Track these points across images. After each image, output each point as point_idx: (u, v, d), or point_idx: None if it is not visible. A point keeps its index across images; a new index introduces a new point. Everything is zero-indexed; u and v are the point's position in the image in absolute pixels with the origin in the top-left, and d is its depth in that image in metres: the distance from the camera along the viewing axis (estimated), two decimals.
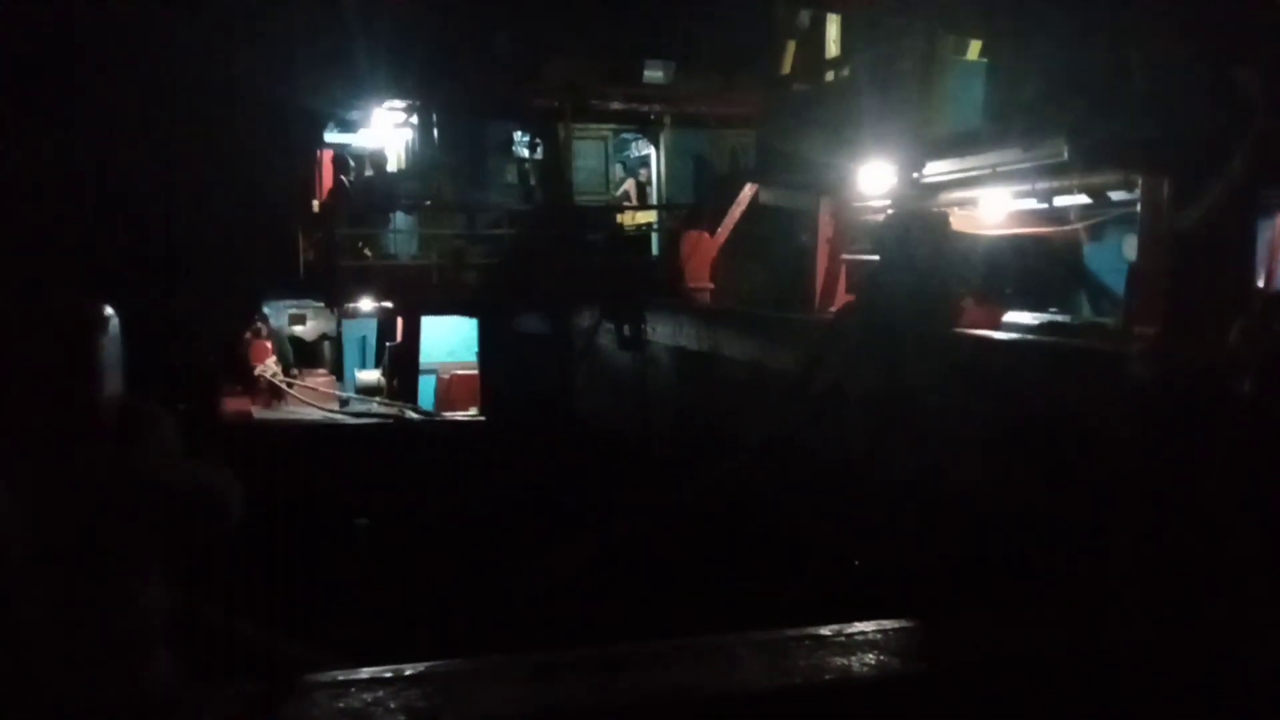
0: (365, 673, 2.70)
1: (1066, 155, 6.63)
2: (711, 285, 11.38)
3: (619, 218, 17.04)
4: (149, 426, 2.45)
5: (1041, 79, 7.10)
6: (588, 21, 15.48)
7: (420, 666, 2.75)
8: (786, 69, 11.63)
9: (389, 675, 2.70)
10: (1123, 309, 7.19)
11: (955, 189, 8.28)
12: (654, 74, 16.26)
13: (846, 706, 2.79)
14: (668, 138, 17.06)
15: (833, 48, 10.72)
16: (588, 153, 16.92)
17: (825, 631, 2.99)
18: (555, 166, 16.31)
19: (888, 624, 3.05)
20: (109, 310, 2.39)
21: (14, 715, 2.18)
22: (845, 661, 2.85)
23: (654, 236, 16.93)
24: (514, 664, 2.79)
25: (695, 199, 16.28)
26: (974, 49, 9.44)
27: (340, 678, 2.67)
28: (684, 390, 9.88)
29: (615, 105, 16.62)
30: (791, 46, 11.58)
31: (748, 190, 11.32)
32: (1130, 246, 7.92)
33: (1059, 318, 7.30)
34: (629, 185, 18.16)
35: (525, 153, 17.28)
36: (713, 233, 11.43)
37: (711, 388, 9.20)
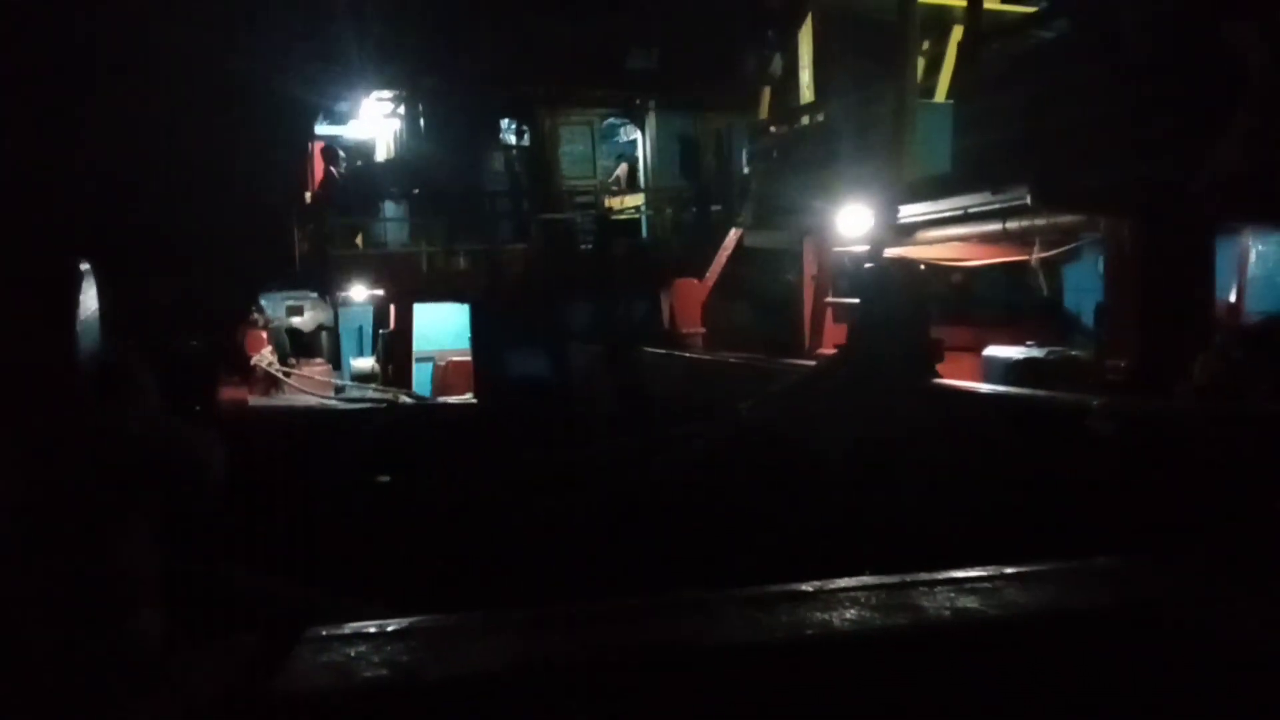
0: (348, 627, 2.70)
1: (1030, 201, 6.92)
2: (703, 329, 11.66)
3: (608, 202, 17.09)
4: (129, 383, 2.46)
5: (1004, 122, 7.28)
6: (572, 9, 15.50)
7: (404, 621, 2.76)
8: (764, 114, 11.92)
9: (372, 630, 2.71)
10: (1095, 342, 7.43)
11: (930, 228, 8.56)
12: (637, 63, 16.31)
13: (828, 661, 2.81)
14: (654, 122, 17.09)
15: (806, 93, 10.97)
16: (574, 139, 16.98)
17: (806, 588, 3.02)
18: (541, 154, 16.35)
19: (869, 580, 3.08)
20: (85, 265, 2.40)
21: (3, 671, 2.19)
22: (826, 617, 2.87)
23: (644, 220, 16.98)
24: (497, 620, 2.81)
25: (683, 179, 16.38)
26: (940, 91, 9.68)
27: (323, 632, 2.68)
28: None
29: (599, 93, 16.67)
30: (767, 93, 11.95)
31: (733, 235, 11.75)
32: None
33: (1035, 352, 7.56)
34: (622, 170, 18.18)
35: (512, 140, 17.31)
36: (701, 276, 11.75)
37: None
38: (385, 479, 10.26)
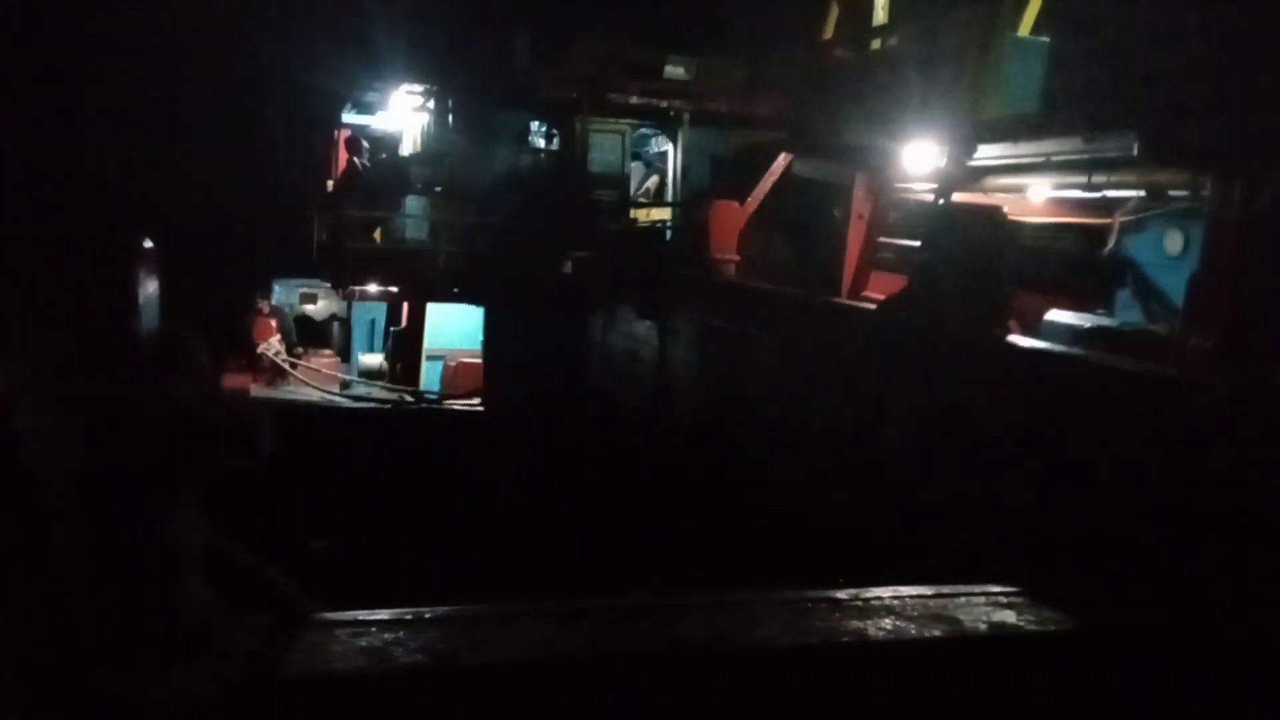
0: (386, 613, 2.81)
1: (1137, 152, 6.48)
2: (738, 257, 11.22)
3: (634, 214, 17.10)
4: (185, 357, 2.53)
5: (1111, 65, 6.95)
6: (609, 10, 15.54)
7: (440, 610, 2.86)
8: (829, 34, 11.30)
9: (409, 617, 2.82)
10: (1179, 316, 7.09)
11: (1005, 175, 8.20)
12: (675, 70, 16.32)
13: (861, 668, 2.86)
14: (686, 135, 17.13)
15: (880, 13, 10.38)
16: (604, 146, 17.00)
17: (842, 595, 3.08)
18: (571, 159, 16.38)
19: (904, 590, 3.12)
20: (148, 242, 2.47)
21: (52, 634, 2.26)
22: (861, 625, 2.94)
23: (668, 234, 17.00)
24: (533, 611, 2.90)
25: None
26: (1026, 24, 9.22)
27: (361, 617, 2.77)
28: (708, 370, 9.77)
29: (633, 100, 16.69)
30: (835, 9, 11.29)
31: (781, 160, 11.07)
32: (1173, 241, 7.89)
33: (1106, 321, 7.19)
34: (652, 182, 18.22)
35: (541, 143, 17.39)
36: (742, 201, 11.23)
37: (738, 369, 9.12)
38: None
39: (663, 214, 17.51)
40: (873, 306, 7.95)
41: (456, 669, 2.61)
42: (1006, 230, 7.07)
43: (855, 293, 9.53)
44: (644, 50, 15.80)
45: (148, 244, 2.51)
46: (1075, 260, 8.62)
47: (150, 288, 2.48)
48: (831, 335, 7.72)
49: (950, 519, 5.70)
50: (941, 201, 7.81)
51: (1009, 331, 6.47)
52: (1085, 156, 7.11)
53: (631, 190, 17.93)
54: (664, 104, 16.69)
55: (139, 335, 2.43)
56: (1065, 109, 7.38)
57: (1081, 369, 5.47)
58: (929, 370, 6.33)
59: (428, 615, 2.84)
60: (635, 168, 18.62)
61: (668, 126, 17.48)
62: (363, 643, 2.68)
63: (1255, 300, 5.45)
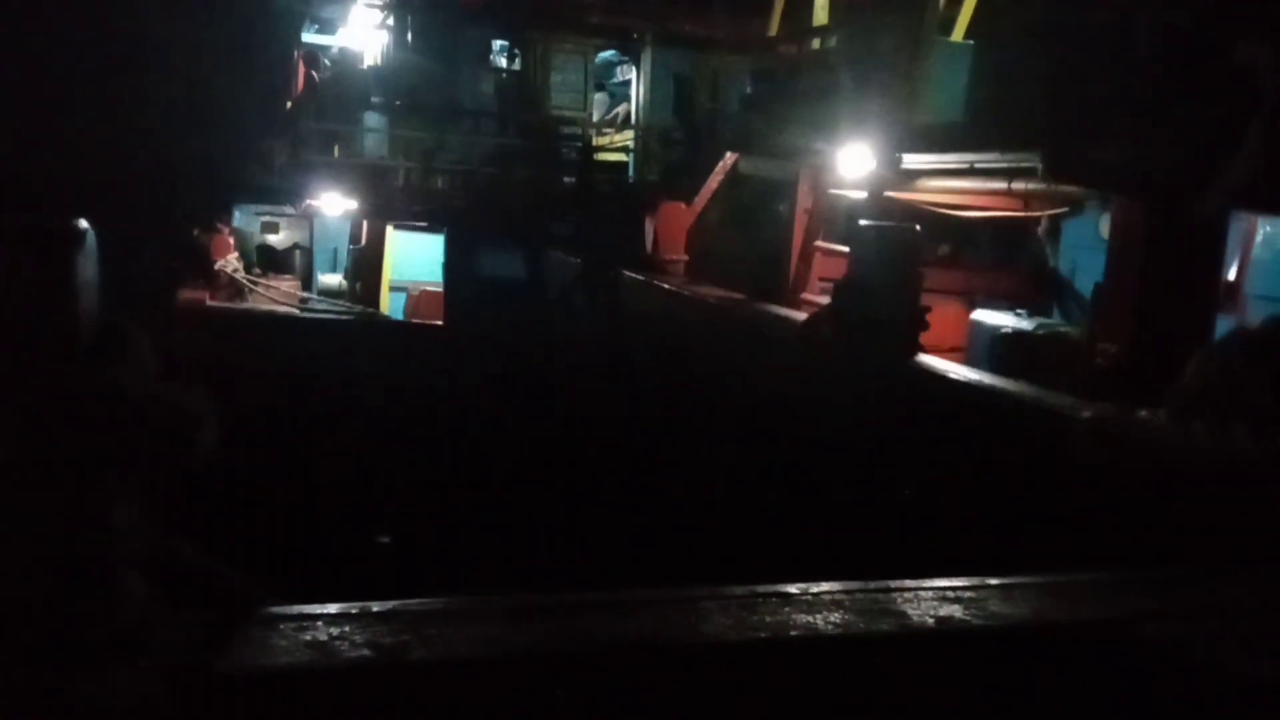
0: (332, 607, 2.73)
1: (1042, 172, 6.80)
2: (686, 257, 11.44)
3: (596, 140, 16.90)
4: (124, 346, 2.45)
5: (1023, 81, 7.15)
6: None
7: (388, 604, 2.78)
8: (774, 30, 11.43)
9: (355, 611, 2.73)
10: (1088, 321, 7.43)
11: (934, 178, 8.41)
12: None
13: (811, 663, 2.87)
14: (649, 58, 16.83)
15: (820, 14, 10.43)
16: (567, 67, 16.66)
17: (792, 589, 3.07)
18: (531, 79, 16.10)
19: (853, 585, 3.14)
20: (84, 226, 2.37)
21: None
22: (811, 619, 2.93)
23: (631, 161, 16.82)
24: (482, 605, 2.84)
25: (675, 119, 16.20)
26: (959, 29, 9.36)
27: (306, 611, 2.71)
28: (656, 362, 9.95)
29: (595, 19, 16.37)
30: (780, 6, 11.39)
31: (728, 159, 11.33)
32: (1106, 226, 8.08)
33: (1024, 324, 7.53)
34: (622, 108, 17.95)
35: (503, 63, 17.07)
36: (689, 201, 11.47)
37: (682, 364, 9.31)
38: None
39: (625, 138, 17.33)
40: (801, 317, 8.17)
41: (403, 665, 2.54)
42: (919, 246, 7.27)
43: (798, 292, 9.80)
44: None
45: (84, 226, 2.41)
46: (1008, 248, 8.98)
47: (88, 274, 2.39)
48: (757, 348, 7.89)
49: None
50: (865, 215, 7.94)
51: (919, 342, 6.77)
52: (1005, 165, 7.35)
53: (595, 118, 17.70)
54: (625, 22, 16.41)
55: (76, 324, 2.35)
56: (984, 122, 7.55)
57: (976, 394, 5.81)
58: (848, 387, 6.58)
59: (375, 609, 2.75)
60: (600, 99, 18.36)
61: (631, 49, 17.18)
62: (308, 637, 2.58)
63: (1157, 312, 5.79)
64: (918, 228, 7.39)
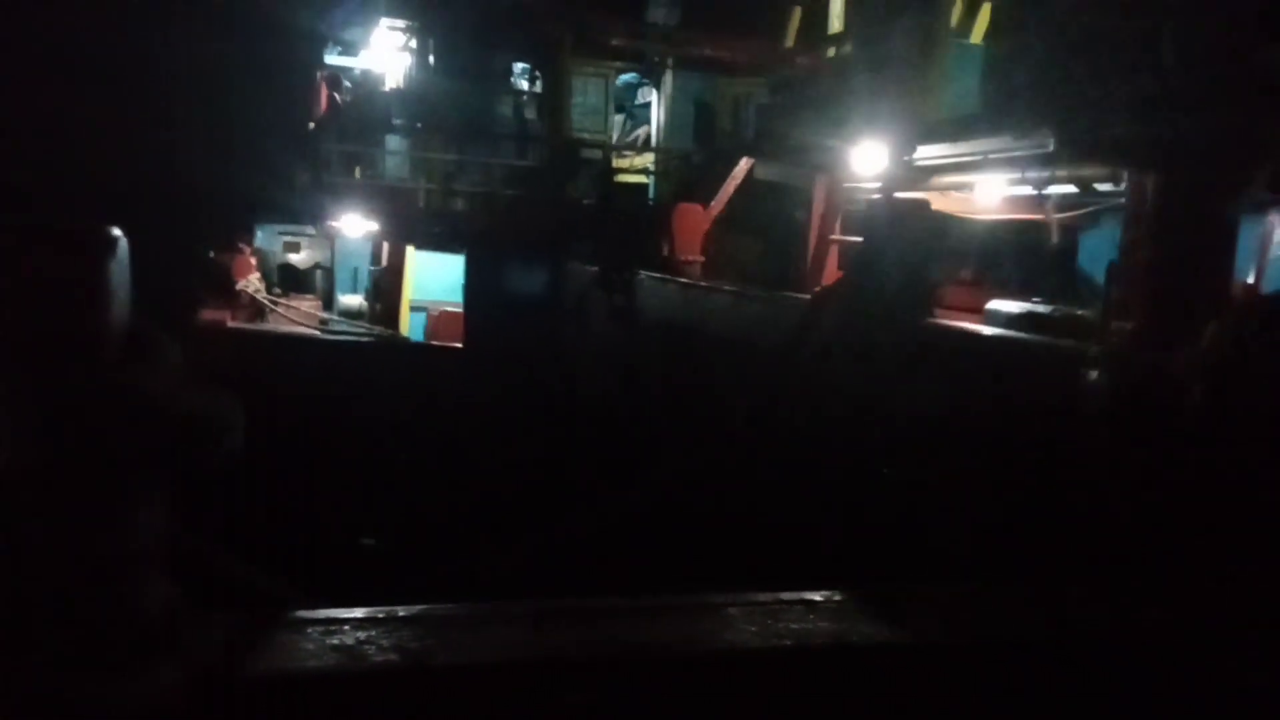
0: (359, 612, 2.75)
1: (1053, 147, 6.72)
2: (702, 258, 11.51)
3: (616, 161, 16.95)
4: (153, 351, 2.47)
5: (1035, 66, 7.16)
6: None
7: (414, 609, 2.80)
8: (790, 41, 11.61)
9: (382, 615, 2.75)
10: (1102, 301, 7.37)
11: (947, 173, 8.38)
12: (656, 11, 16.14)
13: (836, 671, 2.87)
14: (670, 81, 16.92)
15: (836, 22, 10.56)
16: (588, 90, 16.74)
17: (816, 597, 3.06)
18: (553, 101, 16.18)
19: (874, 591, 3.13)
20: (117, 233, 2.40)
21: (9, 633, 2.23)
22: (835, 627, 2.92)
23: (651, 184, 16.87)
24: (507, 610, 2.85)
25: (695, 143, 16.28)
26: (977, 32, 9.47)
27: (334, 615, 2.73)
28: (671, 363, 10.01)
29: (616, 42, 16.46)
30: (796, 17, 11.57)
31: (744, 164, 11.42)
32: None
33: (1038, 308, 7.42)
34: (642, 131, 18.02)
35: (524, 85, 17.16)
36: (706, 205, 11.54)
37: (698, 362, 9.35)
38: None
39: (645, 160, 17.38)
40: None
41: (429, 669, 2.56)
42: (937, 223, 7.26)
43: (813, 288, 9.77)
44: None
45: (116, 232, 2.44)
46: (1027, 263, 8.94)
47: (120, 280, 2.41)
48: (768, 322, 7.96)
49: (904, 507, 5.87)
50: (878, 197, 7.98)
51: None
52: (1017, 154, 7.29)
53: (615, 140, 17.76)
54: (647, 47, 16.51)
55: (108, 328, 2.37)
56: (997, 106, 7.54)
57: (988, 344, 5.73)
58: (859, 354, 6.55)
59: (401, 613, 2.77)
60: (620, 121, 18.45)
61: (652, 73, 17.27)
62: (335, 641, 2.60)
63: (1172, 287, 5.64)
64: (930, 202, 7.31)
